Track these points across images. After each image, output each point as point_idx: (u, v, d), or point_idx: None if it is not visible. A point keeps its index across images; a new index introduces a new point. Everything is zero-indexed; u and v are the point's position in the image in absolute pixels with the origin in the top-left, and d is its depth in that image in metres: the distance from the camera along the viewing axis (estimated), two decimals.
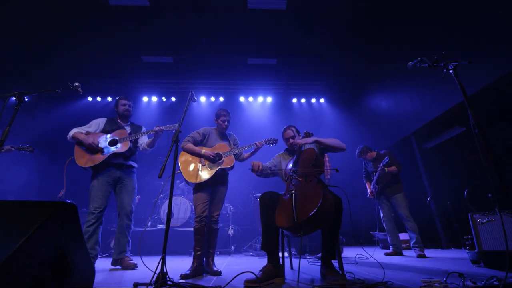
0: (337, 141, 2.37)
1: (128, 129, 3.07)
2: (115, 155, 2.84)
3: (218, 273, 2.33)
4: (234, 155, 2.76)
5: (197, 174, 2.56)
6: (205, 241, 2.50)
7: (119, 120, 3.11)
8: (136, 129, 3.12)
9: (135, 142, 3.06)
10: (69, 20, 4.79)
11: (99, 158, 2.79)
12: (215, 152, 2.63)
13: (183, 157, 2.65)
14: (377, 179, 3.81)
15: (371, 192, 3.99)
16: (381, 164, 3.69)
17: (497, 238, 2.33)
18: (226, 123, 2.81)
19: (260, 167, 2.31)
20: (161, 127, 2.89)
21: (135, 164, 3.08)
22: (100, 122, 3.04)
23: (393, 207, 3.80)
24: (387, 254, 3.64)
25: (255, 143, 2.81)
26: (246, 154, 2.92)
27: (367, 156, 4.04)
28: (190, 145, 2.64)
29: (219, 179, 2.67)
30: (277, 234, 2.07)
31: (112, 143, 2.89)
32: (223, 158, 2.64)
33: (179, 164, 2.61)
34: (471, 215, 2.55)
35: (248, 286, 1.73)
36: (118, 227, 2.82)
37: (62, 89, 2.34)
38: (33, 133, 5.68)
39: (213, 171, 2.57)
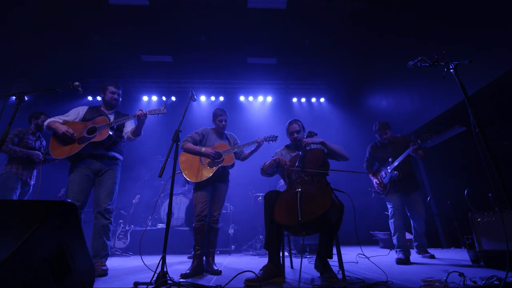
0: (342, 149, 2.34)
1: (111, 117, 2.74)
2: (94, 144, 2.53)
3: (219, 272, 2.33)
4: (235, 153, 2.76)
5: (198, 173, 2.56)
6: (205, 240, 2.51)
7: (102, 108, 2.79)
8: (121, 117, 2.76)
9: (118, 131, 2.73)
10: (69, 19, 4.79)
11: (75, 148, 2.47)
12: (215, 151, 2.63)
13: (183, 157, 2.66)
14: (399, 163, 3.11)
15: (380, 183, 3.29)
16: (416, 143, 2.99)
17: (497, 237, 2.33)
18: (223, 122, 2.82)
19: (286, 163, 2.26)
20: (144, 111, 2.59)
21: (119, 156, 2.74)
22: (80, 110, 2.73)
23: (409, 203, 3.25)
24: (399, 263, 2.80)
25: (257, 140, 2.81)
26: (247, 152, 2.91)
27: (386, 134, 3.30)
28: (190, 145, 2.66)
29: (220, 177, 2.68)
30: (280, 234, 2.07)
31: (91, 131, 2.57)
32: (223, 157, 2.65)
33: (179, 164, 2.61)
34: (471, 215, 2.55)
35: (249, 285, 1.73)
36: (93, 227, 2.47)
37: (62, 88, 2.34)
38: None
39: (213, 170, 2.57)
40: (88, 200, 2.56)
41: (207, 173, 2.56)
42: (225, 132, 2.93)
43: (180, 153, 2.65)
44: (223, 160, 2.64)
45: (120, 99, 2.90)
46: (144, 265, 2.16)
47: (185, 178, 2.60)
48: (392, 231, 3.13)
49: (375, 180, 3.40)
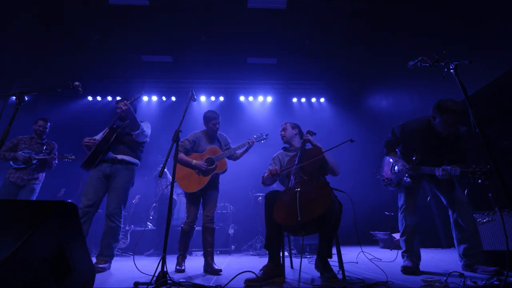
0: (336, 165, 2.31)
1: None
2: (105, 149, 2.70)
3: (218, 272, 2.33)
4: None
5: (192, 184, 2.57)
6: (189, 242, 2.54)
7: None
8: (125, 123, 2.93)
9: (122, 133, 2.84)
10: (68, 19, 4.78)
11: (89, 152, 2.67)
12: (206, 158, 2.63)
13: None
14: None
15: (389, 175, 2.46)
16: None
17: (498, 237, 2.33)
18: (217, 125, 2.82)
19: (278, 171, 2.28)
20: (125, 102, 2.69)
21: (130, 159, 2.79)
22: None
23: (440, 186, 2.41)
24: (406, 272, 2.12)
25: (248, 141, 2.81)
26: (239, 152, 2.92)
27: (453, 126, 2.23)
28: (182, 155, 2.65)
29: (210, 184, 2.67)
30: (280, 234, 2.07)
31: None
32: (215, 163, 2.64)
33: None
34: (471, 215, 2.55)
35: (249, 285, 1.73)
36: (104, 227, 2.68)
37: (62, 88, 2.34)
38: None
39: (207, 179, 2.58)
40: (102, 200, 2.67)
41: (201, 183, 2.57)
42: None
43: None
44: (216, 166, 2.64)
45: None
46: (137, 269, 2.14)
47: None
48: (401, 230, 2.40)
49: (392, 163, 2.42)
